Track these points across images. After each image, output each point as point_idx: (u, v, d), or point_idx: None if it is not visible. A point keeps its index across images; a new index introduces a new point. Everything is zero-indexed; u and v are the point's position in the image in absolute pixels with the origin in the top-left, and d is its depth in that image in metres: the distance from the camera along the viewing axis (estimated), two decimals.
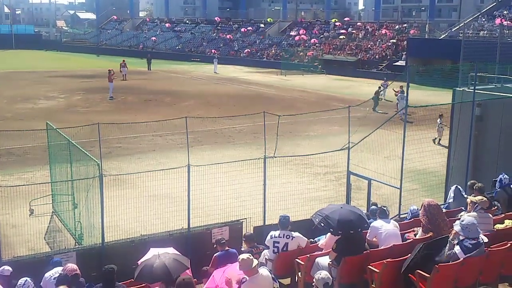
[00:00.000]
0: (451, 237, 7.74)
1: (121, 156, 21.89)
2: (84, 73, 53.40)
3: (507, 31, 44.38)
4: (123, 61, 50.35)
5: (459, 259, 7.50)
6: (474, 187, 10.60)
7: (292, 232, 9.52)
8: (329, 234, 9.36)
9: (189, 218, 11.96)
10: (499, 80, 16.55)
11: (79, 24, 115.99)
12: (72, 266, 8.44)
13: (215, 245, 10.23)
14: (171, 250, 8.70)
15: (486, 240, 7.95)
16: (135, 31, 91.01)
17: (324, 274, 6.80)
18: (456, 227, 7.70)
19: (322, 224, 8.72)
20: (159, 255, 8.12)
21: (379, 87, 36.27)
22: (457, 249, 7.56)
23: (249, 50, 71.06)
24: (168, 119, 16.76)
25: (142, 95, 39.20)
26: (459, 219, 9.28)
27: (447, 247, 7.70)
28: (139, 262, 8.48)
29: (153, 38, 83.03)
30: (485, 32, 47.99)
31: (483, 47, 21.64)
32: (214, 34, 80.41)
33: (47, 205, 14.87)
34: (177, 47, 78.73)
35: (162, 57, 71.32)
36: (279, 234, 9.45)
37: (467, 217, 7.92)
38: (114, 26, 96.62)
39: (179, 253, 8.70)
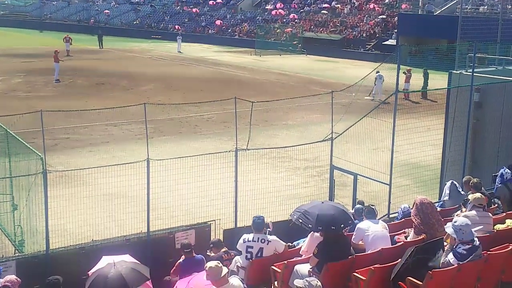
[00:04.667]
0: (447, 245, 7.85)
1: (69, 149, 21.69)
2: (25, 51, 52.56)
3: (509, 7, 45.02)
4: (67, 36, 51.80)
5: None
6: (470, 184, 10.79)
7: (268, 236, 9.56)
8: (309, 236, 9.44)
9: (149, 220, 11.93)
10: (501, 62, 16.80)
11: None
12: (11, 278, 8.34)
13: (185, 250, 10.19)
14: (128, 258, 8.68)
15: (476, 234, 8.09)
16: (85, 3, 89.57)
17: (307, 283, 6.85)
18: (449, 229, 7.81)
19: (300, 221, 8.80)
20: (115, 264, 8.09)
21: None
22: (450, 257, 7.68)
23: (219, 22, 70.58)
24: (124, 106, 16.63)
25: (93, 78, 38.81)
26: None
27: (443, 254, 7.82)
28: (90, 272, 8.46)
29: (106, 11, 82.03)
30: (485, 7, 48.59)
31: (483, 24, 21.99)
32: (178, 8, 79.77)
33: None
34: (135, 22, 77.88)
35: (117, 34, 70.50)
36: (253, 238, 9.48)
37: (459, 218, 8.04)
38: None
39: (137, 262, 8.67)
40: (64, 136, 23.15)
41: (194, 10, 77.00)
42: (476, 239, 7.84)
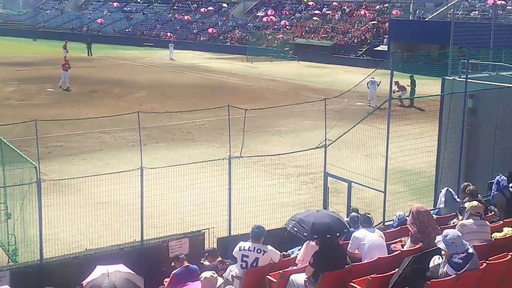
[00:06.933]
0: (444, 257, 7.71)
1: (63, 156, 21.49)
2: (18, 60, 52.29)
3: (501, 12, 45.18)
4: (65, 43, 52.58)
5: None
6: (466, 191, 10.66)
7: (266, 246, 9.37)
8: (305, 245, 9.30)
9: (142, 229, 11.82)
10: (494, 68, 16.75)
11: (12, 4, 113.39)
12: None
13: (172, 263, 10.06)
14: (122, 268, 8.53)
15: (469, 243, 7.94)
16: (78, 12, 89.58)
17: None
18: (440, 244, 7.65)
19: (295, 229, 8.68)
20: (109, 274, 7.92)
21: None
22: (447, 267, 7.54)
23: (212, 30, 70.45)
24: (117, 115, 16.53)
25: (86, 85, 38.61)
26: (452, 226, 9.35)
27: (441, 266, 7.68)
28: (84, 282, 8.32)
29: (99, 19, 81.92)
30: (477, 12, 48.72)
31: (475, 30, 21.96)
32: (170, 15, 79.73)
33: None
34: (127, 30, 77.76)
35: (110, 42, 70.45)
36: (249, 247, 9.31)
37: (450, 230, 7.88)
38: (53, 5, 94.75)
39: (132, 272, 8.53)
40: (58, 144, 22.95)
41: (185, 17, 76.94)
42: (469, 247, 7.71)
